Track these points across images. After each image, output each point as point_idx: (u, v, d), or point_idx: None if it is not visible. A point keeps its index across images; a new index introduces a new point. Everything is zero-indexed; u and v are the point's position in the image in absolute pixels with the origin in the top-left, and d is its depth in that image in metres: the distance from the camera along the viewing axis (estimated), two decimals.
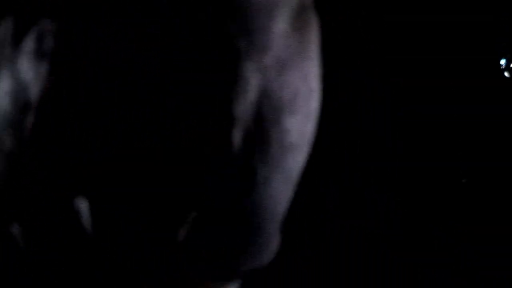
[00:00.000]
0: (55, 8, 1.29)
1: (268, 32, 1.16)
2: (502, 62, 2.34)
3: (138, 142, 1.52)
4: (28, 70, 1.28)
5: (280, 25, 1.17)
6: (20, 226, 1.49)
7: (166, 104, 1.41)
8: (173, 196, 1.59)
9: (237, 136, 1.22)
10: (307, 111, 1.27)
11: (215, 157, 1.44)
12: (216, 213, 1.32)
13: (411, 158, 2.62)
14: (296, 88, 1.20)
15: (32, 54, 1.28)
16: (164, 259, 1.56)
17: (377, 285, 2.44)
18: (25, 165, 1.36)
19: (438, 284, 2.46)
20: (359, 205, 2.53)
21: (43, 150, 1.34)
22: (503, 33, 2.61)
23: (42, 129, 1.36)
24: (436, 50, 2.60)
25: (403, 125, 2.65)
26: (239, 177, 1.34)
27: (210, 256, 1.37)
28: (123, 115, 1.47)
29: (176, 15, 1.37)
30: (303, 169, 1.37)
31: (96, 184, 1.71)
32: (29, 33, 1.31)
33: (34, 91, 1.30)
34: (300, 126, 1.24)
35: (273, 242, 1.37)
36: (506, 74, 2.30)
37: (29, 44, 1.30)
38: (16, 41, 1.32)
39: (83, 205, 1.46)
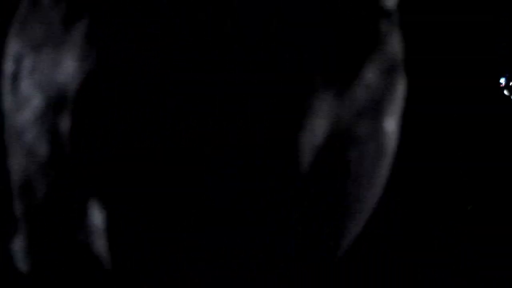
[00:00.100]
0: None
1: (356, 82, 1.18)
2: (502, 80, 2.35)
3: (138, 142, 1.52)
4: (68, 69, 1.22)
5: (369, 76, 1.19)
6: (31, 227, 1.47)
7: (166, 104, 1.40)
8: (173, 196, 1.59)
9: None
10: None
11: (215, 157, 1.44)
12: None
13: (411, 158, 2.62)
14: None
15: (77, 51, 1.22)
16: (164, 259, 1.56)
17: (377, 285, 2.43)
18: (58, 171, 1.32)
19: (438, 284, 2.46)
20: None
21: (78, 154, 1.31)
22: (503, 33, 2.61)
23: (77, 133, 1.32)
24: (436, 50, 2.60)
25: (403, 125, 2.64)
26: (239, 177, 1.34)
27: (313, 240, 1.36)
28: (123, 115, 1.47)
29: (176, 15, 1.37)
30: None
31: (96, 184, 1.71)
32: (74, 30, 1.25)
33: (71, 91, 1.25)
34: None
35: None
36: (505, 92, 2.31)
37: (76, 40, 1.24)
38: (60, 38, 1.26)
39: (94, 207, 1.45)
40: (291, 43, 1.82)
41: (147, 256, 1.76)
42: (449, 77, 2.67)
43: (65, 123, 1.29)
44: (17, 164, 1.37)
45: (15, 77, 1.28)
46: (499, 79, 2.45)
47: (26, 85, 1.26)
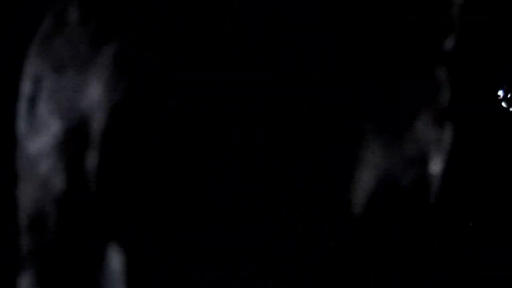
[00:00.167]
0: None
1: None
2: (500, 93, 2.35)
3: (138, 142, 1.51)
4: (94, 94, 1.14)
5: None
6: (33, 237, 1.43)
7: (166, 104, 1.39)
8: (173, 196, 1.58)
9: None
10: None
11: (215, 157, 1.44)
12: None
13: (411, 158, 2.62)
14: None
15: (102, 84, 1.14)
16: (164, 259, 1.56)
17: (377, 285, 2.43)
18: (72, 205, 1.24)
19: (438, 284, 2.45)
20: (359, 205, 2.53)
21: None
22: (503, 33, 2.61)
23: (103, 171, 1.24)
24: (435, 50, 2.60)
25: (403, 125, 2.65)
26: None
27: None
28: (123, 115, 1.46)
29: (176, 15, 1.36)
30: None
31: (96, 184, 1.71)
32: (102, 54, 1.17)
33: (95, 120, 1.16)
34: None
35: None
36: (503, 104, 2.30)
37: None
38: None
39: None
40: (291, 43, 1.82)
41: (147, 256, 1.75)
42: (449, 77, 2.67)
43: (86, 155, 1.20)
44: (28, 195, 1.27)
45: (33, 99, 1.19)
46: (498, 83, 2.45)
47: (45, 109, 1.17)
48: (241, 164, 1.48)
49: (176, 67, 1.40)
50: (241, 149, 1.59)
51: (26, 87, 1.13)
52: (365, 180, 1.38)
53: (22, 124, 1.14)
